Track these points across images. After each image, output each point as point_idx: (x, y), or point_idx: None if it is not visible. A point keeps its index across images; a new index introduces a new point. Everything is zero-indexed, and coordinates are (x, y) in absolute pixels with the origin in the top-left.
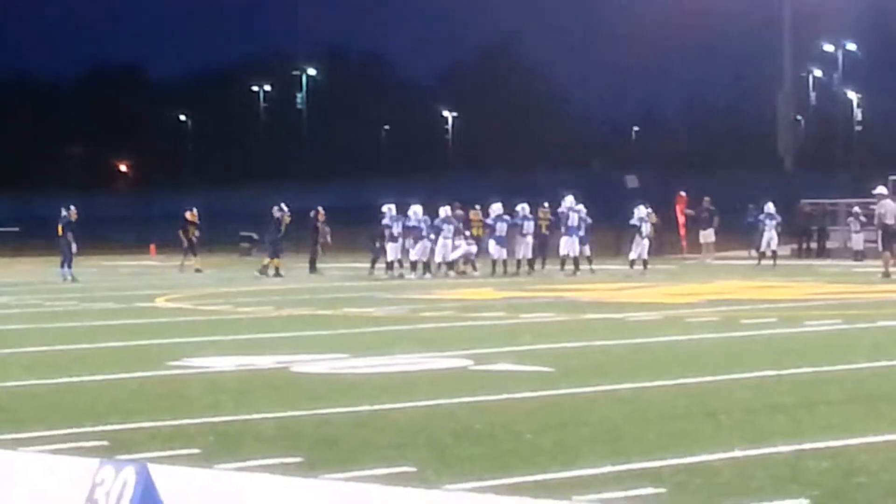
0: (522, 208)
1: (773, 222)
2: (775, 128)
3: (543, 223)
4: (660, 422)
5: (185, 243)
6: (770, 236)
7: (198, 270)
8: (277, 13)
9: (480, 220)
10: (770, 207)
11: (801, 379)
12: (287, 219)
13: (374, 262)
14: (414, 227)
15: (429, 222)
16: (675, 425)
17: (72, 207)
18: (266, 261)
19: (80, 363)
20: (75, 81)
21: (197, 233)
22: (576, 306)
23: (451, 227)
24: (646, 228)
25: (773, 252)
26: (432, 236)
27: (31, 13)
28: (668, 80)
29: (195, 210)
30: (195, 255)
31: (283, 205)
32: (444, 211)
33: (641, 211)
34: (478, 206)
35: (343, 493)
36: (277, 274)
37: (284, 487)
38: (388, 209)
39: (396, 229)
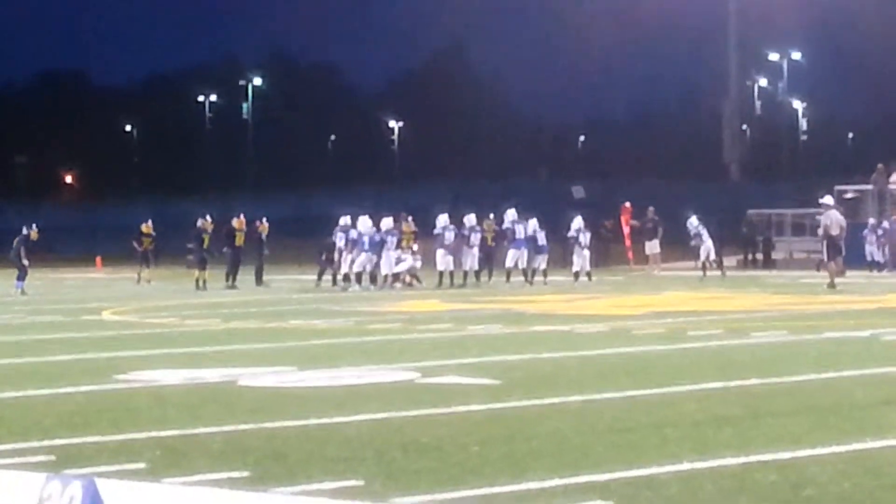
0: (468, 219)
1: (706, 232)
2: (721, 137)
3: (489, 235)
4: (608, 434)
5: (140, 255)
6: (707, 247)
7: (147, 282)
8: (224, 21)
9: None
10: (694, 221)
11: (748, 391)
12: (209, 226)
13: (321, 274)
14: (356, 240)
15: (374, 234)
16: (623, 438)
17: (34, 227)
18: (196, 273)
19: (27, 377)
20: (21, 89)
21: (152, 245)
22: (523, 318)
23: (395, 239)
24: (584, 239)
25: (714, 262)
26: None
27: None
28: (615, 88)
29: (150, 222)
30: (148, 266)
31: (208, 216)
32: (387, 222)
33: (578, 222)
34: (492, 216)
35: None
36: (202, 287)
37: (232, 502)
38: (345, 220)
39: (344, 242)
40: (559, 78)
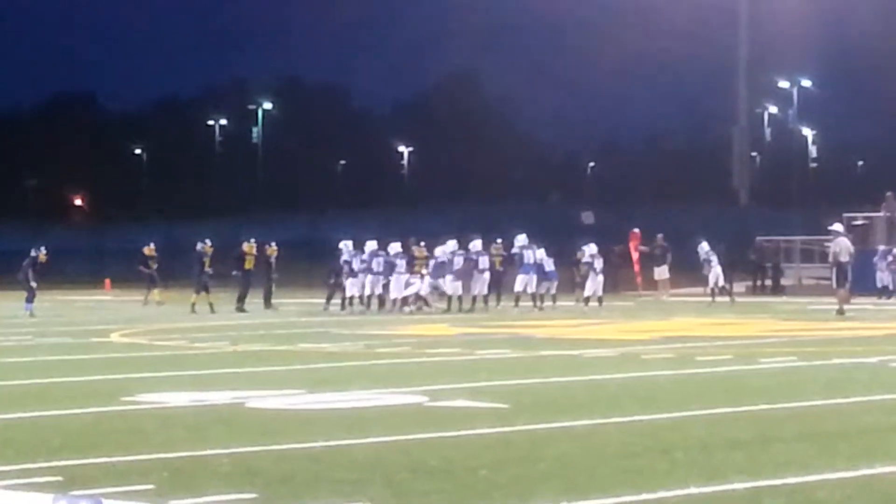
0: (474, 245)
1: (715, 259)
2: (730, 164)
3: (497, 259)
4: (615, 459)
5: (147, 277)
6: (717, 273)
7: (158, 303)
8: (233, 45)
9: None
10: (705, 246)
11: (757, 416)
12: (209, 250)
13: (329, 297)
14: (365, 263)
15: (382, 258)
16: (630, 462)
17: (42, 249)
18: (194, 297)
19: (35, 398)
20: (31, 113)
21: (155, 266)
22: (531, 343)
23: (404, 263)
24: (598, 264)
25: (723, 288)
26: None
27: None
28: (625, 114)
29: (152, 245)
30: (156, 287)
31: (207, 240)
32: (395, 247)
33: (592, 248)
34: (499, 240)
35: None
36: (193, 310)
37: None
38: (345, 245)
39: (356, 265)
40: (569, 104)
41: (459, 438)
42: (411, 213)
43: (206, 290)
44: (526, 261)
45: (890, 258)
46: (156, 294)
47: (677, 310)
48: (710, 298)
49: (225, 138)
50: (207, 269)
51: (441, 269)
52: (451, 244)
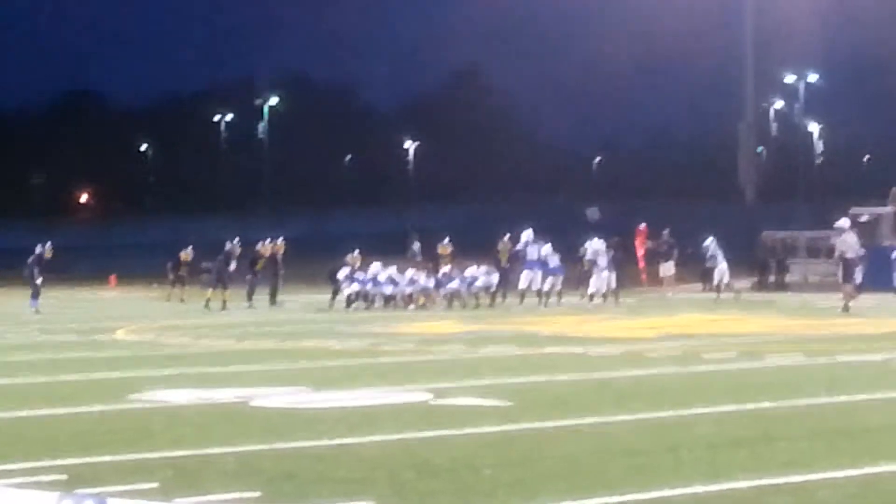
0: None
1: (721, 254)
2: (736, 160)
3: (503, 256)
4: (621, 457)
5: (176, 278)
6: (722, 269)
7: (180, 300)
8: (239, 41)
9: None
10: (710, 243)
11: (761, 414)
12: (238, 250)
13: (334, 294)
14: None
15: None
16: (636, 460)
17: (48, 244)
18: (217, 294)
19: (40, 396)
20: (37, 110)
21: (186, 268)
22: (536, 340)
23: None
24: (602, 261)
25: (728, 284)
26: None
27: None
28: (631, 110)
29: (190, 249)
30: (183, 286)
31: (237, 239)
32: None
33: (596, 244)
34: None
35: None
36: (224, 308)
37: None
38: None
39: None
40: (575, 100)
41: (464, 437)
42: (417, 209)
43: (225, 286)
44: (530, 257)
45: (894, 255)
46: (178, 291)
47: (682, 306)
48: (714, 295)
49: (231, 134)
50: (231, 268)
51: (516, 259)
52: (528, 233)
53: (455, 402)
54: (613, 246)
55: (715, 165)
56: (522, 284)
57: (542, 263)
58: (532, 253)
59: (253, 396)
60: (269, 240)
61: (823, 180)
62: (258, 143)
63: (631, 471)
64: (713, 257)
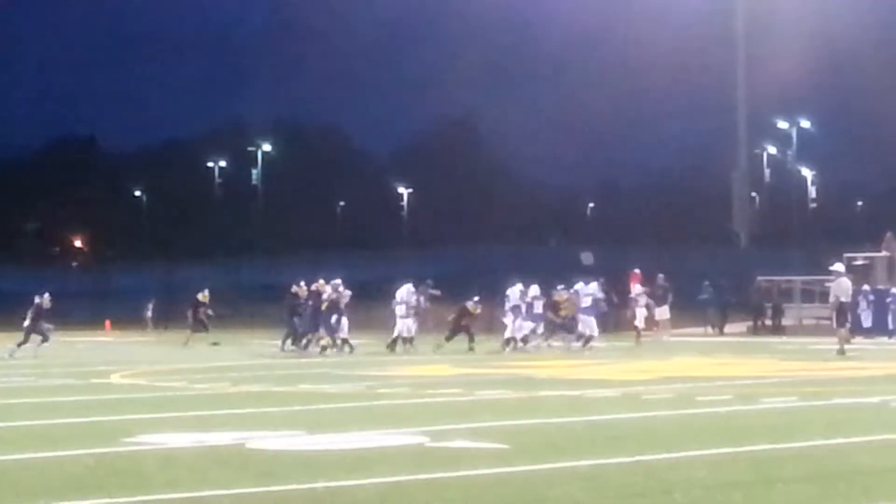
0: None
1: (711, 294)
2: (730, 204)
3: (568, 310)
4: (617, 499)
5: (191, 321)
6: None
7: (184, 343)
8: (232, 87)
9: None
10: (707, 286)
11: (757, 456)
12: (304, 292)
13: (301, 336)
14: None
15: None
16: (632, 502)
17: (46, 295)
18: (321, 339)
19: (36, 439)
20: (30, 155)
21: (209, 311)
22: (531, 383)
23: (403, 306)
24: (597, 305)
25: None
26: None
27: None
28: (624, 155)
29: (206, 291)
30: (207, 331)
31: (302, 282)
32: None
33: (591, 287)
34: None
35: None
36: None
37: None
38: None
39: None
40: (568, 145)
41: (460, 479)
42: (412, 254)
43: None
44: (513, 303)
45: (889, 298)
46: (211, 336)
47: (678, 350)
48: (711, 337)
49: (225, 180)
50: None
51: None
52: (593, 286)
53: (451, 445)
54: (604, 289)
55: (708, 210)
56: (508, 333)
57: (528, 306)
58: (513, 297)
59: (249, 439)
60: (302, 283)
61: (817, 225)
62: (252, 189)
63: None
64: (706, 298)
